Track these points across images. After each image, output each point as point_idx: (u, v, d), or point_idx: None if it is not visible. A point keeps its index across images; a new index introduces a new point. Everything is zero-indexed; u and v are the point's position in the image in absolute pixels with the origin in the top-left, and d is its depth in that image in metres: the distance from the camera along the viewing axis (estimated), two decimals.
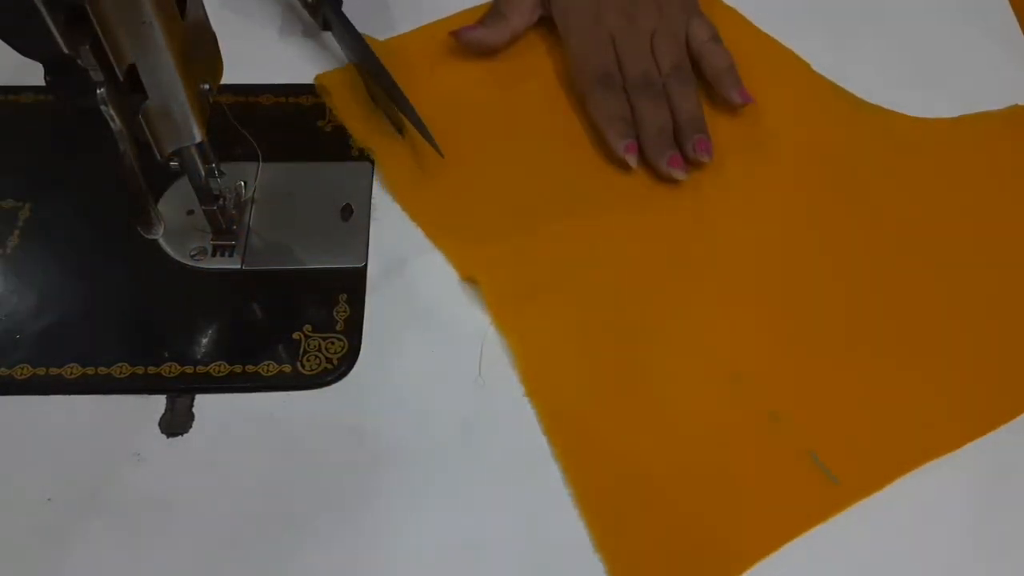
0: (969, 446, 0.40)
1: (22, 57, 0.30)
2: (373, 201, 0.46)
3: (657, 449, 0.39)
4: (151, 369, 0.40)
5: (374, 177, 0.47)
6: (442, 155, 0.46)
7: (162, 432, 0.39)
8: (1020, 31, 0.55)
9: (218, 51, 0.38)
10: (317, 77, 0.50)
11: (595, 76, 0.49)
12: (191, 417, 0.40)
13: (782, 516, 0.38)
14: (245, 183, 0.46)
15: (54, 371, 0.40)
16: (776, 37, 0.54)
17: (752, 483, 0.39)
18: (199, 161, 0.40)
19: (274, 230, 0.45)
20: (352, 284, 0.44)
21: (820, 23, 0.55)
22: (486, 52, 0.52)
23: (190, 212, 0.44)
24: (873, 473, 0.39)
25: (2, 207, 0.45)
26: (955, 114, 0.51)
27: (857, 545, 0.38)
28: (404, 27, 0.53)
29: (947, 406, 0.41)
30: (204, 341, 0.42)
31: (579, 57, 0.50)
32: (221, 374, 0.41)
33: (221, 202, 0.43)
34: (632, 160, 0.47)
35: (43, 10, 0.28)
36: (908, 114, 0.51)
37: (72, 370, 0.40)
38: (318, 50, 0.52)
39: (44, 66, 0.31)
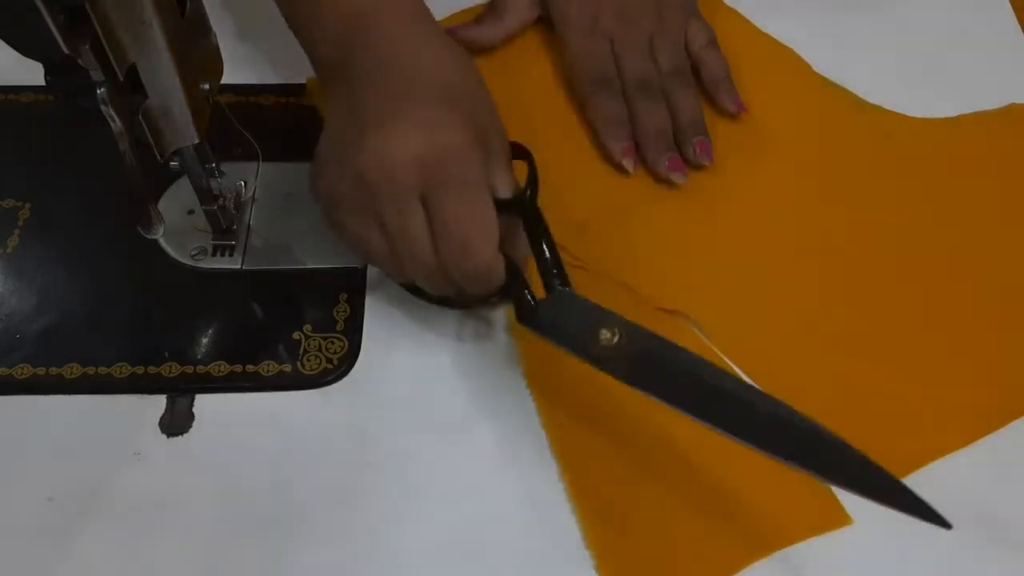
0: (969, 447, 0.40)
1: (22, 57, 0.30)
2: None
3: (654, 448, 0.39)
4: (151, 369, 0.40)
5: None
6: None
7: (162, 432, 0.39)
8: (1020, 31, 0.55)
9: (218, 51, 0.38)
10: (310, 80, 0.50)
11: (593, 79, 0.49)
12: (191, 417, 0.40)
13: (779, 522, 0.38)
14: (245, 183, 0.46)
15: (54, 371, 0.40)
16: (776, 37, 0.54)
17: (750, 487, 0.39)
18: (199, 161, 0.40)
19: (274, 230, 0.45)
20: (352, 284, 0.44)
21: (820, 23, 0.55)
22: (480, 50, 0.52)
23: (190, 212, 0.44)
24: None
25: (2, 207, 0.45)
26: (955, 114, 0.51)
27: (858, 544, 0.38)
28: None
29: (948, 405, 0.41)
30: (204, 341, 0.42)
31: (577, 59, 0.50)
32: (221, 374, 0.41)
33: (221, 202, 0.43)
34: (629, 164, 0.47)
35: (43, 10, 0.28)
36: (908, 114, 0.51)
37: (72, 370, 0.40)
38: None
39: (44, 66, 0.31)
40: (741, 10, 0.55)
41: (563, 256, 0.40)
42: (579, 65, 0.50)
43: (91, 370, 0.40)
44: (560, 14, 0.51)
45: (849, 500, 0.39)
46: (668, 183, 0.47)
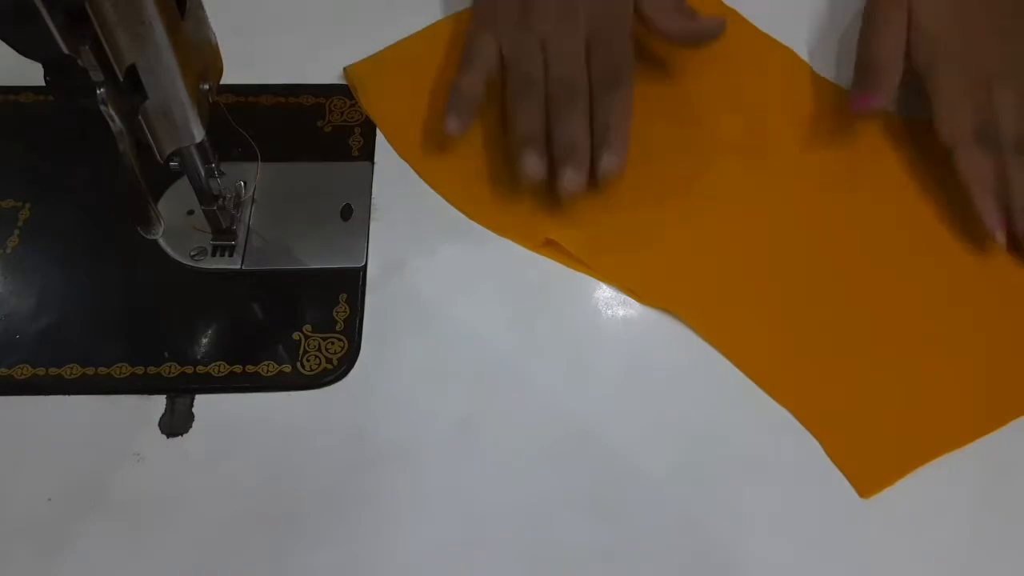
0: (969, 447, 0.40)
1: (22, 57, 0.30)
2: (373, 201, 0.46)
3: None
4: (151, 369, 0.40)
5: (375, 176, 0.47)
6: None
7: (162, 432, 0.39)
8: None
9: (218, 51, 0.38)
10: (347, 69, 0.50)
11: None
12: (191, 417, 0.40)
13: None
14: (245, 183, 0.46)
15: (54, 371, 0.40)
16: (775, 36, 0.54)
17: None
18: (199, 161, 0.40)
19: (274, 230, 0.45)
20: (352, 284, 0.44)
21: (818, 23, 0.55)
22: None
23: (190, 212, 0.44)
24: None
25: (2, 207, 0.45)
26: None
27: (858, 545, 0.38)
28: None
29: (946, 404, 0.41)
30: (204, 341, 0.42)
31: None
32: (221, 374, 0.41)
33: (221, 202, 0.43)
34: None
35: (43, 10, 0.28)
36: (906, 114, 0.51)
37: (72, 370, 0.40)
38: (318, 49, 0.52)
39: (44, 66, 0.31)
40: (740, 10, 0.55)
41: (566, 259, 0.40)
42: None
43: (91, 370, 0.40)
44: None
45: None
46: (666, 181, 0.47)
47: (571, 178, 0.43)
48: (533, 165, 0.44)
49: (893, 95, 0.47)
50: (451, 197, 0.47)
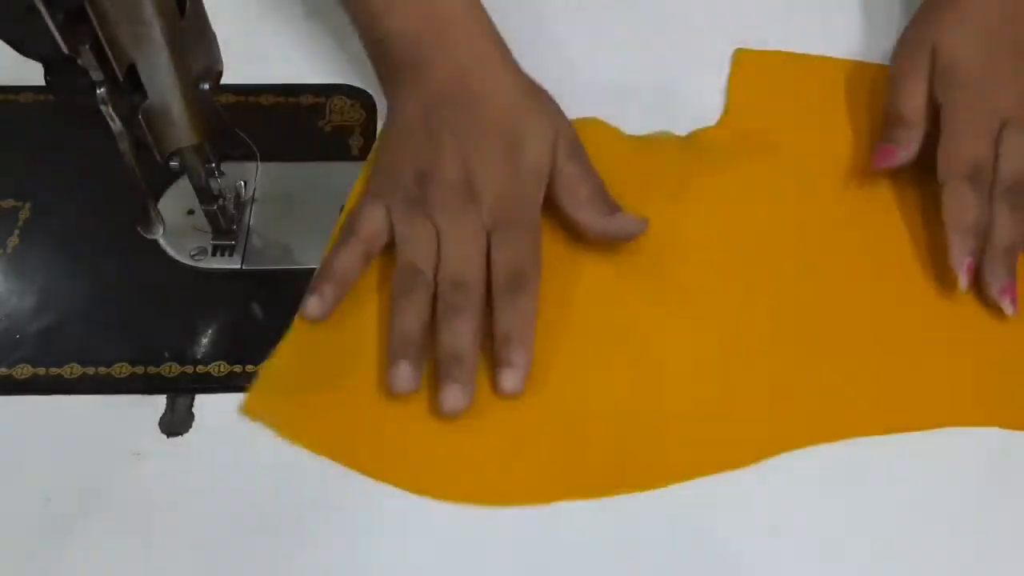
0: (970, 445, 0.40)
1: (22, 57, 0.30)
2: None
3: None
4: (151, 369, 0.40)
5: None
6: None
7: (162, 432, 0.39)
8: None
9: (218, 51, 0.38)
10: (245, 406, 0.40)
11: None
12: (191, 417, 0.40)
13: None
14: (245, 183, 0.46)
15: (54, 371, 0.40)
16: (769, 38, 0.54)
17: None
18: (199, 161, 0.40)
19: (274, 230, 0.45)
20: None
21: (814, 24, 0.55)
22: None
23: (190, 212, 0.44)
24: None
25: (2, 207, 0.45)
26: None
27: (859, 545, 0.38)
28: None
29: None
30: (204, 341, 0.42)
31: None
32: (221, 374, 0.41)
33: (221, 202, 0.43)
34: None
35: (43, 10, 0.28)
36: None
37: (72, 370, 0.40)
38: (318, 49, 0.52)
39: (44, 66, 0.31)
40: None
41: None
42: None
43: (91, 370, 0.40)
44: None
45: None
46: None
47: (453, 398, 0.38)
48: (403, 379, 0.38)
49: (916, 149, 0.45)
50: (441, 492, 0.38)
